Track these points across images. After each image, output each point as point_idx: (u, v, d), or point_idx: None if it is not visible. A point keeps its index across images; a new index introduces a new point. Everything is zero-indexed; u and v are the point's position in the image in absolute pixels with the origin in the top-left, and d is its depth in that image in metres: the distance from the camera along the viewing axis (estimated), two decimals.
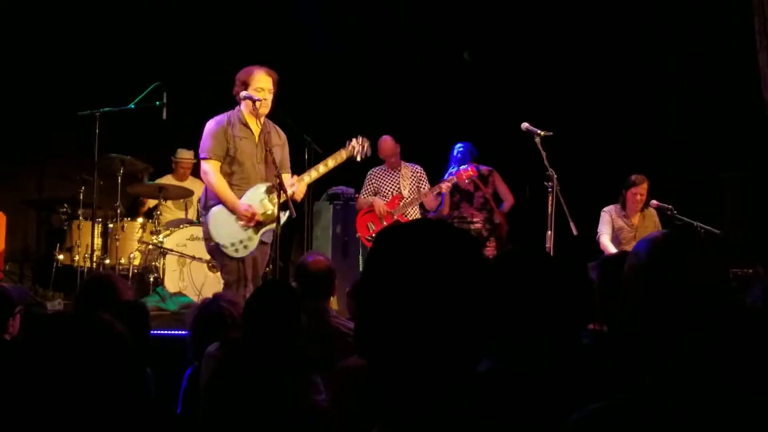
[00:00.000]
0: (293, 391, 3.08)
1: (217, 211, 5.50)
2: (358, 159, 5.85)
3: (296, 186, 5.54)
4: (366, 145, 5.84)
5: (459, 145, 7.65)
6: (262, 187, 5.54)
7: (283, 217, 5.51)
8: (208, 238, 5.57)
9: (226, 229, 5.45)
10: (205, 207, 5.61)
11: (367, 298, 1.38)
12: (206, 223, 5.54)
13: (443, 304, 1.33)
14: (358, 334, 1.42)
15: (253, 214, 5.43)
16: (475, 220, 7.70)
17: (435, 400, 1.33)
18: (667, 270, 1.52)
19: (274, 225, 5.50)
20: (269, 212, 5.50)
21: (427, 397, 1.33)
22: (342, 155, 5.73)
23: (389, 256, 1.38)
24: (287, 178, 5.55)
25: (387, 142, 7.64)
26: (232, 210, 5.44)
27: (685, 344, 1.49)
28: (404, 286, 1.34)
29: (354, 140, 5.82)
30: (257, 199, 5.51)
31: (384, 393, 1.35)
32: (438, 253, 1.36)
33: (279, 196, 5.37)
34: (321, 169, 5.66)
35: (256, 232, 5.48)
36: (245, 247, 5.45)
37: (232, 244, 5.44)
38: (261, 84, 5.50)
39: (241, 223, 5.44)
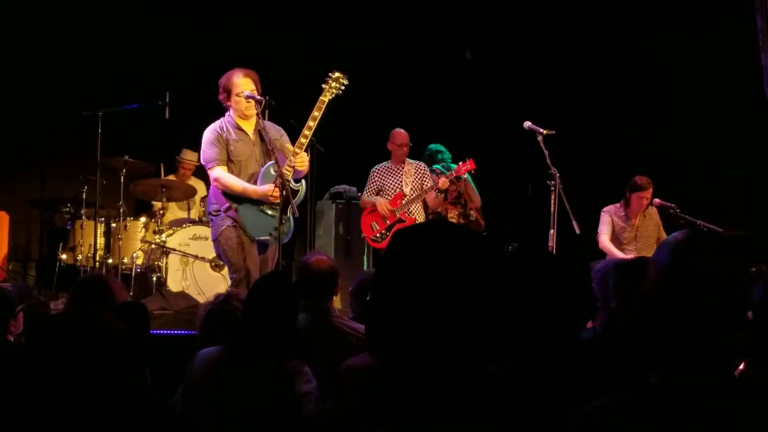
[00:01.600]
0: (282, 380, 3.10)
1: (242, 211, 5.54)
2: (340, 92, 5.60)
3: (295, 159, 5.44)
4: (342, 77, 5.58)
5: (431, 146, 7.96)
6: (270, 169, 5.52)
7: (298, 186, 5.53)
8: (216, 239, 5.63)
9: (259, 222, 5.51)
10: (212, 212, 5.64)
11: (381, 298, 1.38)
12: (236, 224, 5.53)
13: (458, 307, 1.33)
14: (371, 334, 1.42)
15: (276, 190, 5.38)
16: (449, 214, 7.74)
17: (445, 401, 1.33)
18: (688, 270, 1.52)
19: (297, 197, 5.53)
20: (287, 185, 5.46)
21: (437, 398, 1.34)
22: (323, 100, 5.54)
23: (405, 258, 1.38)
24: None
25: (401, 133, 7.66)
26: (261, 197, 5.46)
27: (702, 345, 1.49)
28: (420, 288, 1.34)
29: (328, 80, 5.57)
30: (270, 180, 5.50)
31: (394, 393, 1.36)
32: (454, 255, 1.37)
33: (281, 197, 5.38)
34: (311, 124, 5.49)
35: (285, 213, 5.43)
36: (283, 231, 5.43)
37: (271, 234, 5.49)
38: (242, 88, 5.53)
39: (268, 207, 5.47)
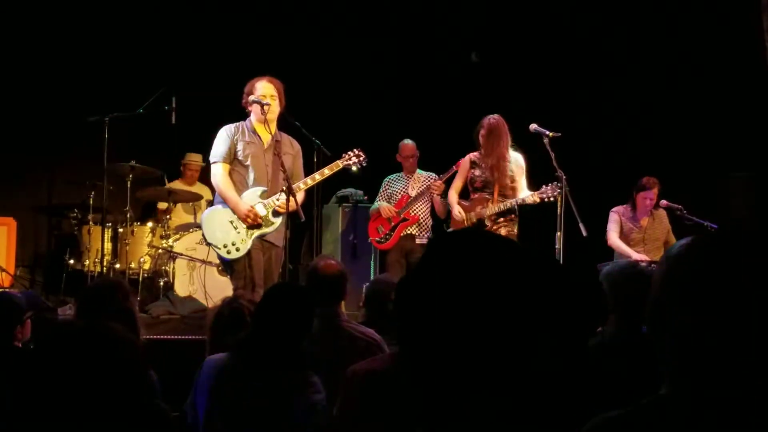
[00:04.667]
0: (291, 390, 3.09)
1: (210, 212, 5.74)
2: (354, 169, 5.99)
3: (281, 199, 5.58)
4: (362, 156, 5.96)
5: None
6: (258, 190, 5.64)
7: (276, 222, 5.62)
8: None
9: (219, 230, 5.61)
10: None
11: (415, 302, 1.37)
12: (202, 226, 5.76)
13: (495, 315, 1.32)
14: (403, 337, 1.41)
15: (255, 215, 5.54)
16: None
17: (479, 410, 1.32)
18: (689, 275, 1.51)
19: (267, 229, 5.62)
20: (262, 216, 5.61)
21: (471, 406, 1.32)
22: (338, 164, 5.88)
23: (442, 264, 1.37)
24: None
25: (407, 145, 7.73)
26: (234, 209, 5.55)
27: (706, 353, 1.47)
28: (459, 293, 1.33)
29: (351, 152, 5.95)
30: (253, 202, 5.61)
31: (425, 399, 1.34)
32: (496, 263, 1.35)
33: (288, 201, 5.43)
34: (317, 177, 5.80)
35: (249, 236, 5.56)
36: (237, 249, 5.56)
37: (225, 246, 5.58)
38: (263, 91, 5.65)
39: (238, 223, 5.56)
